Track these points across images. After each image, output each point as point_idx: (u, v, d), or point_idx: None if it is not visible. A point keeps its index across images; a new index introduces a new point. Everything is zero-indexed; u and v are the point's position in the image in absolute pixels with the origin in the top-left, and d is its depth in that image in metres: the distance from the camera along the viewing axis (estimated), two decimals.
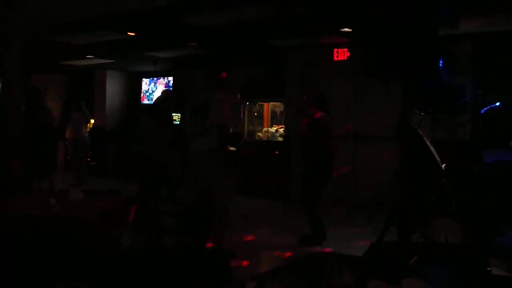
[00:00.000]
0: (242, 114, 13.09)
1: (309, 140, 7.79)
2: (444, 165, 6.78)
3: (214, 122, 6.28)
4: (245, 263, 6.51)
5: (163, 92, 9.61)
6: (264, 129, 13.16)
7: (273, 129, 12.96)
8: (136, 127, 8.34)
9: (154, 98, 12.43)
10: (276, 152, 12.03)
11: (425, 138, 6.78)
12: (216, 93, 6.47)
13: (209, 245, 6.41)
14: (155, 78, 16.22)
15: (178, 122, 13.49)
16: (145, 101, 16.41)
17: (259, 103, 13.43)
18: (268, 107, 13.36)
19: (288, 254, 7.20)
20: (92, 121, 15.26)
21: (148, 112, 8.46)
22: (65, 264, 4.37)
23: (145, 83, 16.43)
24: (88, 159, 13.88)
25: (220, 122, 6.35)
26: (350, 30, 9.53)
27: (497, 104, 8.47)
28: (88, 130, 13.91)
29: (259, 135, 13.20)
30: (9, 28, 8.66)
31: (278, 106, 13.16)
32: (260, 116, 13.54)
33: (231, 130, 6.67)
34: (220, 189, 6.40)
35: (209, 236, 6.44)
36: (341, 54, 11.21)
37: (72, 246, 4.48)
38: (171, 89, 15.27)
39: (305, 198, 7.78)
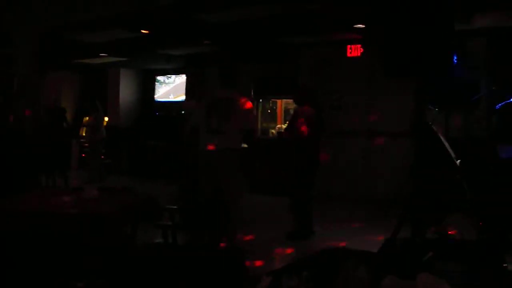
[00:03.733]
0: (255, 111, 13.09)
1: (296, 135, 7.80)
2: (459, 161, 6.74)
3: (238, 127, 6.24)
4: (260, 259, 6.51)
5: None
6: (278, 126, 13.15)
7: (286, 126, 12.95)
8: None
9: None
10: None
11: (439, 134, 6.74)
12: (231, 93, 6.45)
13: (223, 242, 6.42)
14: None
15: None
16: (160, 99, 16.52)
17: (272, 100, 13.43)
18: (281, 104, 13.35)
19: (303, 250, 7.19)
20: (106, 119, 15.33)
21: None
22: (79, 261, 4.40)
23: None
24: (102, 157, 13.96)
25: (248, 127, 6.35)
26: (363, 26, 9.50)
27: None
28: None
29: (272, 132, 13.20)
30: (23, 28, 8.72)
31: (292, 103, 13.14)
32: (274, 113, 13.54)
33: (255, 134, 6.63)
34: (232, 188, 6.38)
35: (224, 234, 6.45)
36: (354, 51, 11.20)
37: (87, 243, 4.50)
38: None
39: (294, 193, 7.80)
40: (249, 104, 6.43)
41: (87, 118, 14.07)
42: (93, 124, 13.43)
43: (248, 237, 7.66)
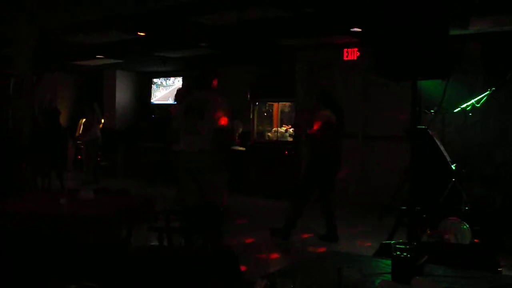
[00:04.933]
0: (251, 114, 13.10)
1: (313, 138, 7.82)
2: (454, 165, 6.76)
3: (211, 126, 6.23)
4: (254, 263, 6.52)
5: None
6: (274, 129, 13.16)
7: (283, 129, 12.95)
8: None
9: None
10: (286, 152, 12.02)
11: (435, 138, 6.76)
12: (207, 94, 6.44)
13: (218, 244, 6.41)
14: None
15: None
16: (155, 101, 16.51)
17: (268, 103, 13.43)
18: (277, 107, 13.36)
19: (298, 253, 7.20)
20: (103, 121, 15.31)
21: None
22: (75, 263, 4.39)
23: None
24: (99, 159, 13.96)
25: (217, 127, 6.30)
26: (360, 30, 9.52)
27: None
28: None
29: (268, 135, 13.20)
30: (20, 29, 8.71)
31: (288, 106, 13.15)
32: (270, 116, 13.54)
33: (236, 131, 6.60)
34: (211, 189, 6.36)
35: (218, 236, 6.44)
36: (351, 54, 11.21)
37: (82, 245, 4.49)
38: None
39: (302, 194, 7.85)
40: (222, 104, 6.40)
41: (83, 119, 14.06)
42: (86, 124, 13.43)
43: (243, 240, 7.66)
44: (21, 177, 8.48)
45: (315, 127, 7.72)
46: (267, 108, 13.53)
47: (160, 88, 16.56)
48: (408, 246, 2.35)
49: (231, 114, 6.43)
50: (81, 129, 13.93)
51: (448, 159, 6.73)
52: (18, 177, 8.36)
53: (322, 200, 7.83)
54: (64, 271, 4.33)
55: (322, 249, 6.97)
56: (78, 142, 14.80)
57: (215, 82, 6.57)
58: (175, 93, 10.16)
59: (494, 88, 7.85)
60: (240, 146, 12.48)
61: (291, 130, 12.50)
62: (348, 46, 11.07)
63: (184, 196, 7.33)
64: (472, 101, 8.13)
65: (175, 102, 9.86)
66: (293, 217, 7.75)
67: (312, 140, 7.85)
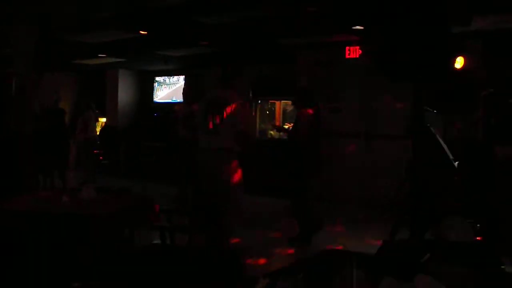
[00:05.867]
0: (253, 112, 13.09)
1: (293, 136, 7.84)
2: (457, 163, 6.75)
3: (232, 127, 6.20)
4: (256, 261, 6.52)
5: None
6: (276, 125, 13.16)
7: (285, 127, 12.94)
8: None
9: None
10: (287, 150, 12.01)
11: (437, 136, 6.75)
12: (228, 93, 6.42)
13: (221, 243, 6.41)
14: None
15: None
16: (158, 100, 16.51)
17: (270, 101, 13.43)
18: (280, 105, 13.36)
19: (299, 252, 7.20)
20: (104, 120, 15.29)
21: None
22: (77, 262, 4.40)
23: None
24: (101, 158, 13.93)
25: (242, 129, 6.30)
26: (362, 28, 9.50)
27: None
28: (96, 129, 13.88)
29: (271, 133, 13.20)
30: (21, 28, 8.71)
31: (290, 105, 13.15)
32: (272, 115, 13.54)
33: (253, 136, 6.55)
34: (227, 189, 6.35)
35: (221, 235, 6.43)
36: (353, 52, 11.19)
37: (84, 244, 4.50)
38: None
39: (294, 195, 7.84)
40: (244, 105, 6.40)
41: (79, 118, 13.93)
42: (82, 122, 13.33)
43: (246, 239, 7.66)
44: (23, 177, 8.48)
45: (302, 127, 7.72)
46: (269, 106, 13.53)
47: (163, 86, 16.55)
48: (410, 244, 2.35)
49: (252, 115, 6.43)
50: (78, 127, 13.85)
51: (451, 156, 6.73)
52: (20, 177, 8.36)
53: (296, 200, 7.83)
54: (67, 269, 4.34)
55: (324, 247, 6.97)
56: (76, 141, 14.76)
57: (238, 81, 6.56)
58: (181, 92, 10.20)
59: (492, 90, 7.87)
60: None
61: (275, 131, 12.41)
62: (350, 44, 11.05)
63: (186, 195, 7.36)
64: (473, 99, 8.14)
65: (183, 101, 9.89)
66: (309, 219, 7.73)
67: (293, 139, 7.86)
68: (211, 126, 6.19)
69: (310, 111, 7.78)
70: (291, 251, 7.39)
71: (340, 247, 7.02)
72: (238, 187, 6.33)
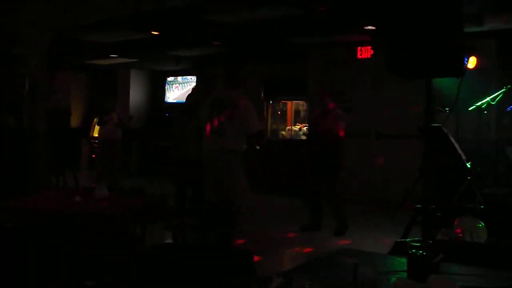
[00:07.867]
0: (265, 113, 13.09)
1: (326, 132, 7.92)
2: (469, 163, 6.72)
3: (240, 128, 6.21)
4: (269, 260, 6.51)
5: (192, 88, 9.60)
6: (288, 127, 13.15)
7: (296, 128, 12.94)
8: (172, 128, 8.27)
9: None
10: (300, 150, 12.00)
11: (450, 136, 6.73)
12: (233, 94, 6.42)
13: (233, 242, 6.43)
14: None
15: None
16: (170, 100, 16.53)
17: (282, 101, 13.42)
18: (291, 105, 13.35)
19: (312, 251, 7.20)
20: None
21: (180, 109, 8.49)
22: (89, 260, 4.41)
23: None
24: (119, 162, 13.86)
25: (254, 130, 6.32)
26: (374, 28, 9.48)
27: None
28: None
29: (282, 134, 13.19)
30: (34, 28, 8.75)
31: (302, 105, 13.14)
32: (284, 115, 13.53)
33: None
34: (233, 188, 6.36)
35: (233, 234, 6.45)
36: (364, 52, 11.18)
37: (97, 243, 4.52)
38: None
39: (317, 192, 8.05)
40: (250, 105, 6.41)
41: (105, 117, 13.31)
42: (115, 122, 12.77)
43: (259, 237, 7.66)
44: (36, 176, 8.53)
45: (334, 126, 7.85)
46: (281, 106, 13.52)
47: (174, 86, 16.58)
48: (423, 244, 2.35)
49: (259, 115, 6.46)
50: (95, 128, 13.68)
51: (464, 157, 6.70)
52: (33, 176, 8.41)
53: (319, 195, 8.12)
54: (80, 268, 4.36)
55: (338, 247, 6.96)
56: (93, 141, 14.70)
57: (241, 81, 6.60)
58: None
59: (510, 86, 7.81)
60: None
61: (304, 128, 12.48)
62: (362, 44, 11.04)
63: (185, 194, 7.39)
64: (488, 99, 8.09)
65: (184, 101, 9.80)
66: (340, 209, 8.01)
67: (323, 137, 7.93)
68: (216, 126, 6.21)
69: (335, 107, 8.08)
70: (304, 250, 7.39)
71: (353, 246, 7.00)
72: (243, 187, 6.35)
